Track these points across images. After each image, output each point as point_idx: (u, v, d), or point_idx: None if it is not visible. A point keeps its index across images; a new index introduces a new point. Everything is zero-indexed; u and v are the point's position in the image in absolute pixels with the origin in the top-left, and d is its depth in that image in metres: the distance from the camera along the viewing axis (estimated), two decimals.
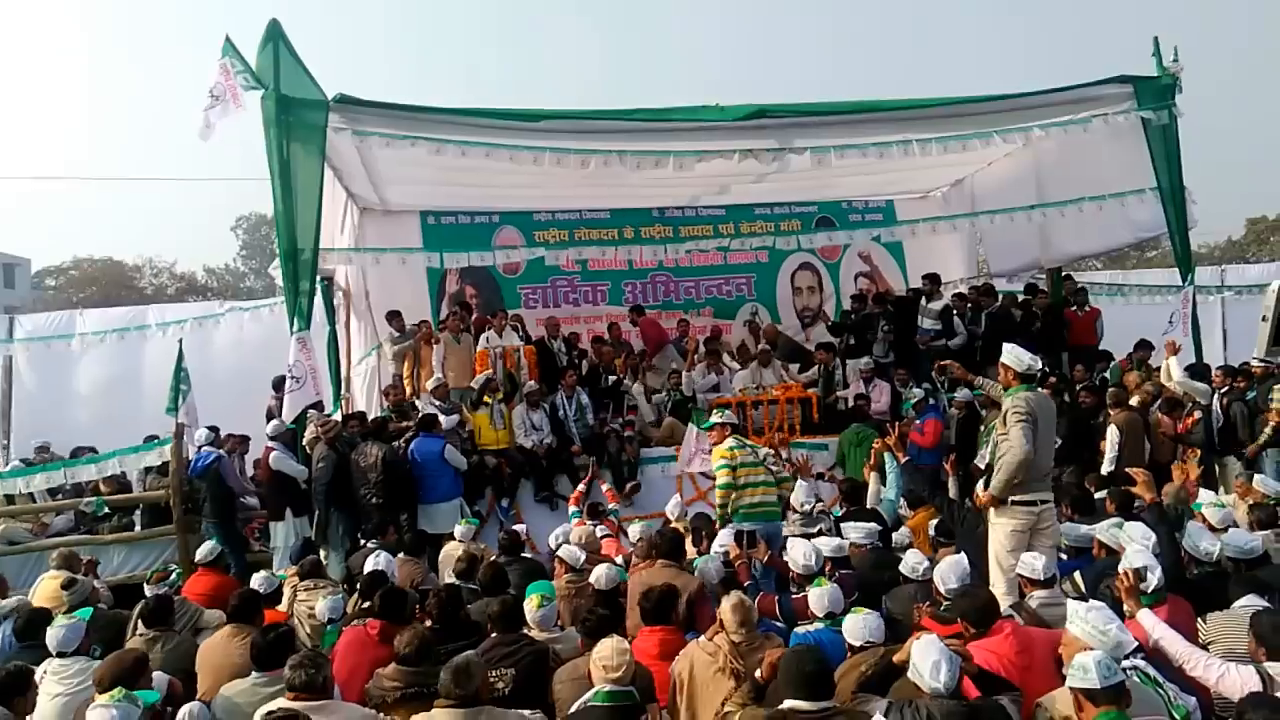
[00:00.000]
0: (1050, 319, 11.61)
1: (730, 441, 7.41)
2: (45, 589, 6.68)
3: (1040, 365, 6.15)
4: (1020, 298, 12.25)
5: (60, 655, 4.75)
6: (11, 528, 9.62)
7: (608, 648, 3.91)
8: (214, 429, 9.51)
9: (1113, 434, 8.86)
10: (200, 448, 8.97)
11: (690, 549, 7.05)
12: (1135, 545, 4.95)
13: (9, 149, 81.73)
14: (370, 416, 9.98)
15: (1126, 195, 10.16)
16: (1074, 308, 11.84)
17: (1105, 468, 8.77)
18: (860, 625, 4.28)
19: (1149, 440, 9.06)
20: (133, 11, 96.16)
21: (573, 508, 8.60)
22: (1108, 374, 10.70)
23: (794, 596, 5.39)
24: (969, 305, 11.79)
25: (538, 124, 9.17)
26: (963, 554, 5.04)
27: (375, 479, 8.33)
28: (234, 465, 9.65)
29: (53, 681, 4.60)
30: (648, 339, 12.47)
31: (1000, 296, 11.98)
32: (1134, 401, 9.35)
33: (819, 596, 4.80)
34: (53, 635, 4.79)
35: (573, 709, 3.92)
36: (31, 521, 9.92)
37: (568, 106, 9.43)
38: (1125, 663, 3.71)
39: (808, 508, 7.42)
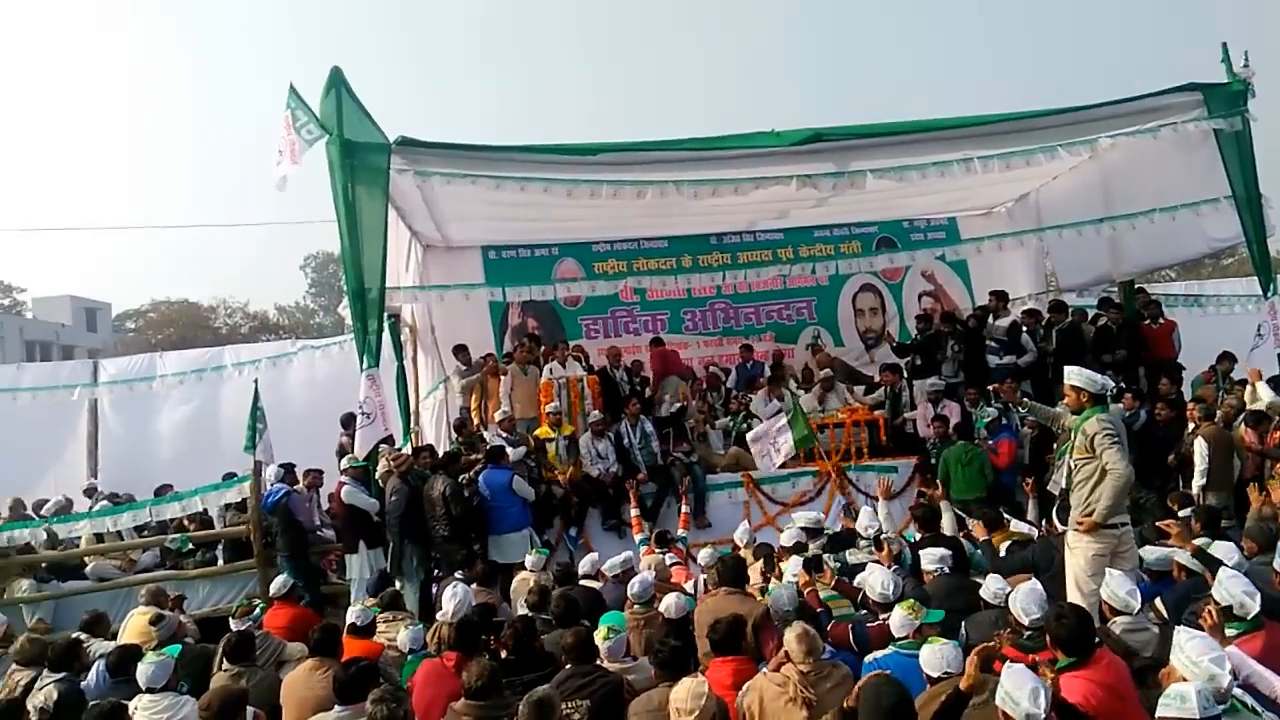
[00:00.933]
0: (1125, 333, 11.32)
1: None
2: (135, 625, 6.91)
3: (1111, 384, 6.03)
4: (1091, 313, 11.97)
5: (150, 691, 4.88)
6: (101, 564, 9.98)
7: (684, 690, 3.92)
8: (286, 466, 9.80)
9: (1201, 447, 8.56)
10: (271, 484, 9.20)
11: (757, 575, 7.03)
12: (1227, 570, 4.74)
13: (85, 198, 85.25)
14: (440, 450, 10.15)
15: (1200, 205, 9.88)
16: (1148, 320, 11.53)
17: (1196, 482, 8.49)
18: (938, 656, 4.16)
19: (1236, 456, 8.76)
20: (196, 57, 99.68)
21: (638, 535, 8.61)
22: (1184, 388, 10.40)
23: (869, 625, 5.32)
24: (1039, 322, 11.58)
25: (594, 157, 9.29)
26: (1036, 581, 4.92)
27: (441, 513, 8.47)
28: (309, 500, 9.89)
29: (144, 716, 4.74)
30: (654, 370, 12.33)
31: (1070, 312, 11.73)
32: (1218, 416, 9.07)
33: (901, 619, 4.73)
34: (143, 672, 4.93)
35: None
36: (120, 558, 10.28)
37: (616, 139, 9.50)
38: None
39: (872, 532, 7.33)
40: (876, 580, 5.50)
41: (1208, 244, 10.84)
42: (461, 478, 9.09)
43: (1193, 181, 9.97)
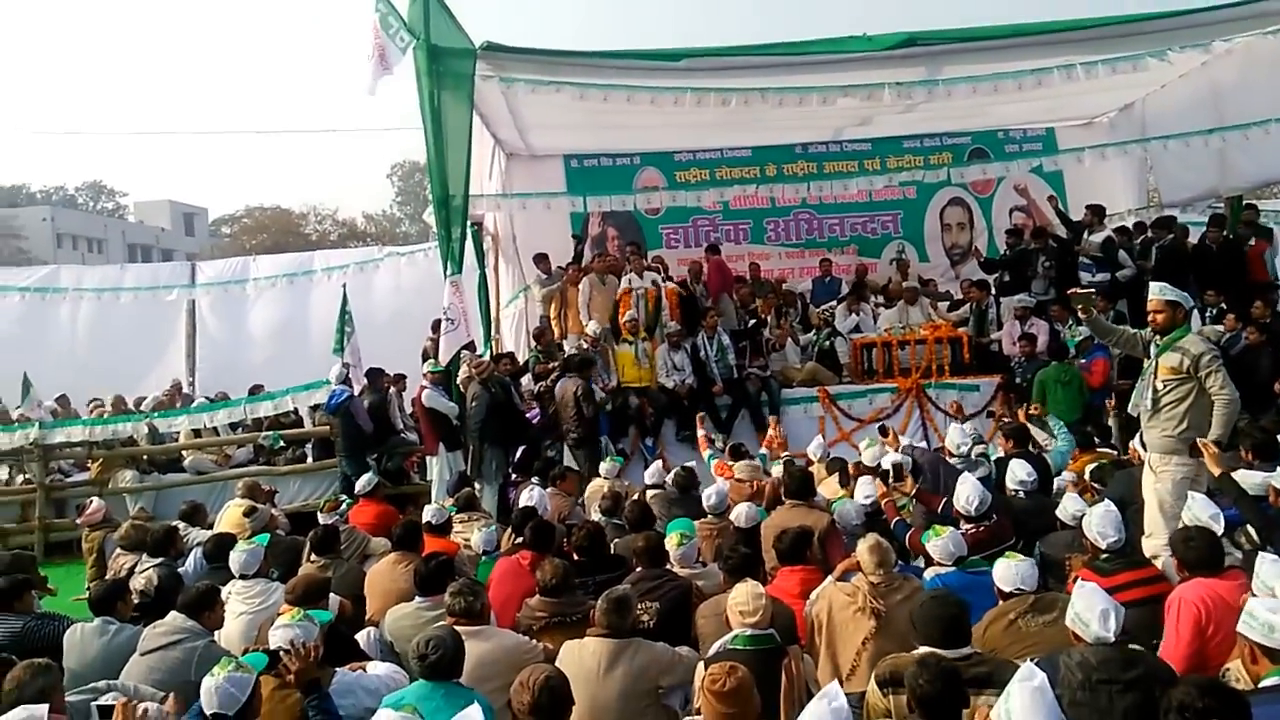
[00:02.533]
0: (1226, 252, 10.76)
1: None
2: (230, 516, 7.29)
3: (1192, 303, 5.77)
4: (1198, 231, 11.37)
5: (243, 578, 5.17)
6: (199, 459, 10.54)
7: (743, 593, 3.94)
8: (374, 370, 10.06)
9: None
10: (335, 386, 9.48)
11: (834, 488, 7.04)
12: None
13: (184, 104, 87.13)
14: (520, 357, 10.30)
15: None
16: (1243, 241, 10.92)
17: None
18: (1012, 571, 4.12)
19: None
20: None
21: (706, 451, 8.65)
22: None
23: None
24: (1134, 239, 11.09)
25: (678, 63, 9.11)
26: (1110, 503, 4.80)
27: (573, 413, 8.91)
28: (389, 402, 10.20)
29: (237, 601, 5.03)
30: (712, 283, 11.64)
31: (1173, 229, 11.17)
32: None
33: (942, 545, 4.69)
34: (235, 559, 5.20)
35: (713, 650, 4.00)
36: (216, 454, 10.81)
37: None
38: None
39: (964, 449, 7.21)
40: (964, 492, 5.42)
41: None
42: (539, 384, 9.24)
43: None
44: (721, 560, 4.95)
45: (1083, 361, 9.30)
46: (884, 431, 8.77)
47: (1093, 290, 6.89)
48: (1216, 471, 5.13)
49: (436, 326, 10.08)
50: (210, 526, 7.50)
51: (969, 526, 5.26)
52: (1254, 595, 3.49)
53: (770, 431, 9.27)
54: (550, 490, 7.27)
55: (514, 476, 8.85)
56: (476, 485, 8.43)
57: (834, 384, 10.28)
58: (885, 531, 5.48)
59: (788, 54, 9.27)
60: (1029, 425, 8.20)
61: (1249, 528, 5.01)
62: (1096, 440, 7.95)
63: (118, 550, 6.73)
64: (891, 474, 6.68)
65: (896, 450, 7.20)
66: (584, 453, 9.03)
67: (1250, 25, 8.90)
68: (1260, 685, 3.00)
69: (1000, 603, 4.18)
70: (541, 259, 11.50)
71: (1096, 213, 11.41)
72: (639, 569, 4.97)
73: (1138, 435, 5.88)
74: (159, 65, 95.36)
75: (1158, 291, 5.61)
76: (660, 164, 13.30)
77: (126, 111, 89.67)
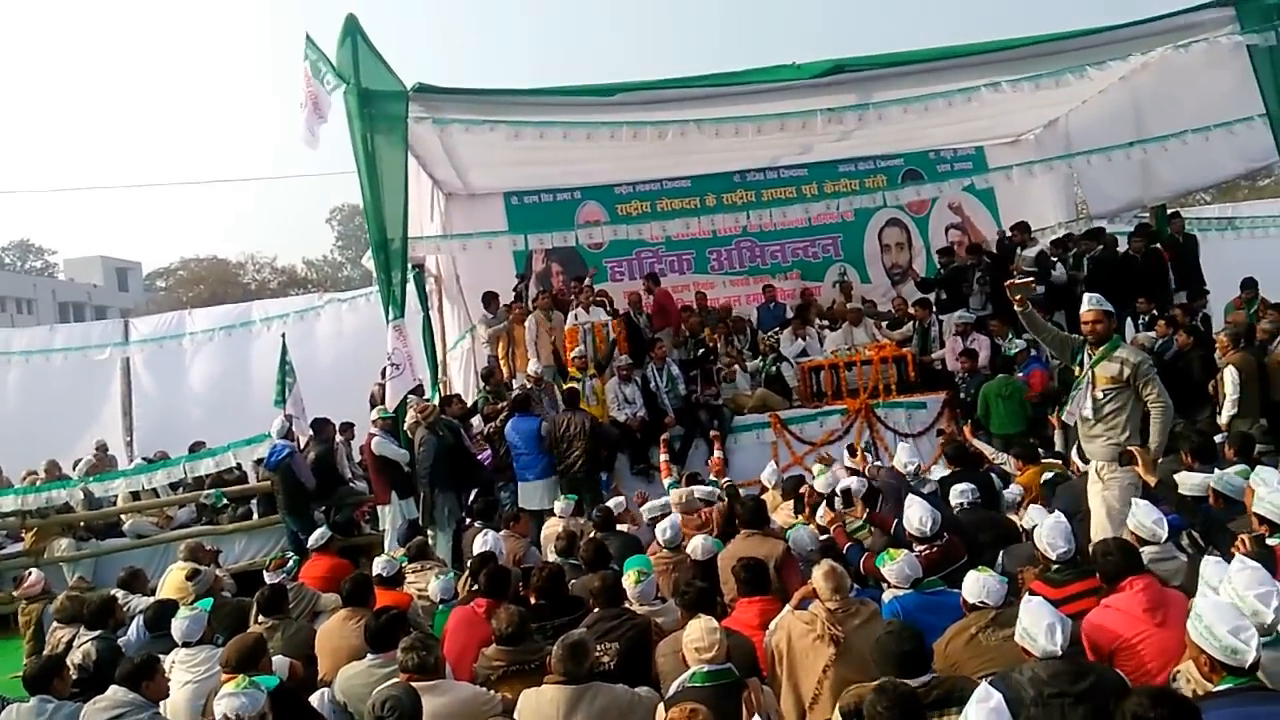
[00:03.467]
0: (1154, 259, 11.06)
1: None
2: (172, 580, 7.05)
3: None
4: (1124, 240, 11.69)
5: (186, 645, 4.98)
6: (139, 522, 10.24)
7: (697, 629, 3.91)
8: (319, 420, 9.88)
9: (1231, 375, 8.36)
10: (275, 441, 9.29)
11: (788, 514, 7.04)
12: (1266, 480, 4.62)
13: (113, 158, 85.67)
14: (467, 399, 10.18)
15: (1233, 124, 9.53)
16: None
17: (1226, 412, 8.33)
18: (979, 585, 4.14)
19: (1265, 382, 8.56)
20: (216, 14, 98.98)
21: (667, 479, 8.62)
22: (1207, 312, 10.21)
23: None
24: (1068, 251, 11.36)
25: (612, 98, 9.14)
26: (1061, 514, 4.85)
27: (579, 448, 8.89)
28: (341, 451, 10.02)
29: (181, 670, 4.85)
30: (655, 316, 11.68)
31: (1104, 241, 11.46)
32: (1256, 340, 8.86)
33: (898, 570, 4.67)
34: (177, 626, 5.02)
35: (671, 690, 3.94)
36: (157, 515, 10.50)
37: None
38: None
39: (911, 469, 7.29)
40: (914, 514, 5.43)
41: (1242, 164, 10.53)
42: (489, 425, 9.14)
43: (1225, 101, 9.62)
44: (678, 595, 4.90)
45: (1020, 375, 9.45)
46: (852, 451, 8.85)
47: (1030, 279, 6.96)
48: (1153, 481, 5.23)
49: (385, 373, 9.94)
50: (152, 592, 7.25)
51: (922, 547, 5.27)
52: (1200, 596, 3.55)
53: (715, 453, 9.34)
54: (504, 533, 7.16)
55: (468, 521, 8.71)
56: (430, 532, 8.30)
57: (784, 408, 10.31)
58: (838, 556, 5.49)
59: (719, 84, 9.35)
60: (975, 441, 8.32)
61: (1193, 532, 5.11)
62: (1041, 451, 8.04)
63: (55, 624, 6.48)
64: (841, 500, 6.71)
65: (865, 470, 7.23)
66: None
67: (1164, 40, 9.19)
68: (1215, 690, 3.02)
69: (964, 615, 4.20)
70: (491, 299, 11.43)
71: (1023, 229, 11.66)
72: (596, 609, 4.90)
73: (1075, 446, 5.96)
74: (85, 119, 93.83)
75: (1095, 303, 5.71)
76: (601, 198, 13.35)
77: (53, 168, 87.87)
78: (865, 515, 6.50)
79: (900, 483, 7.03)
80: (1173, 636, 3.65)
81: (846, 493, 6.74)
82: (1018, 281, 5.97)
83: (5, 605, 9.23)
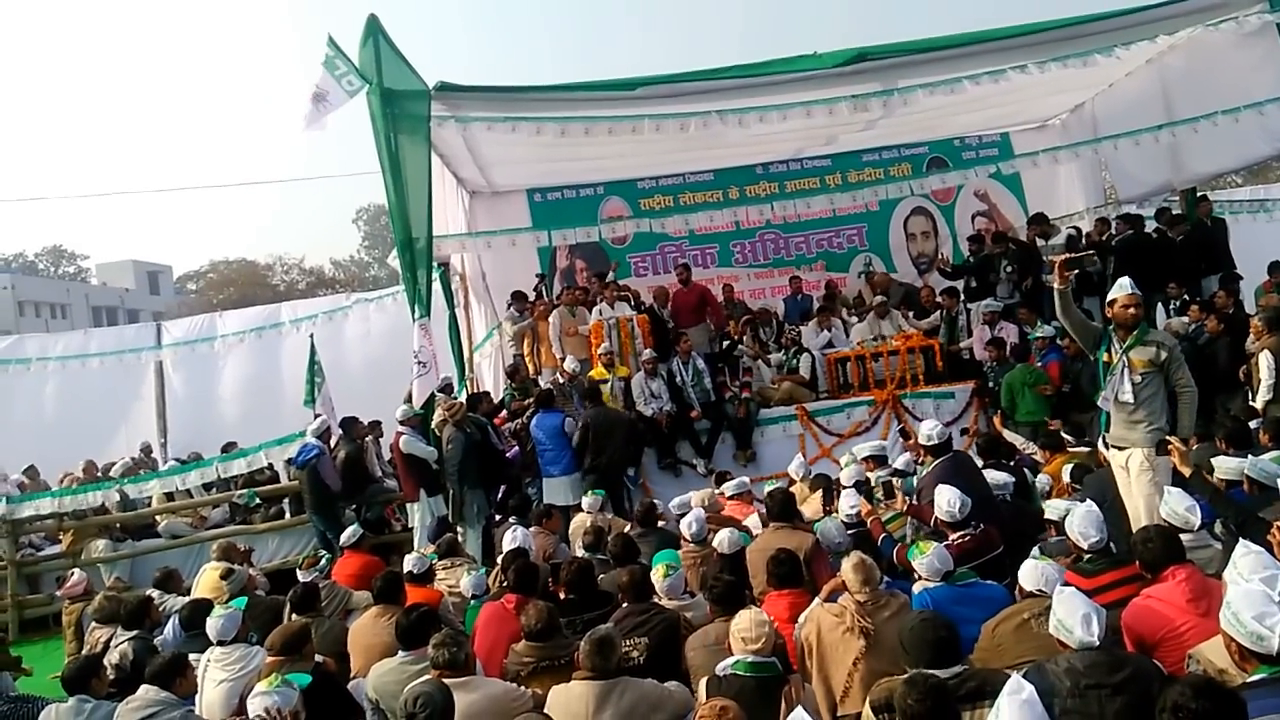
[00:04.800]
0: (1189, 243, 10.89)
1: None
2: (207, 580, 7.14)
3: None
4: (1152, 226, 11.52)
5: (221, 643, 5.02)
6: (173, 523, 10.37)
7: (746, 619, 3.93)
8: (348, 419, 9.93)
9: (1267, 359, 8.21)
10: (306, 441, 9.36)
11: (817, 507, 7.00)
12: None
13: (143, 163, 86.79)
14: (495, 396, 10.22)
15: (1264, 104, 9.33)
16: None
17: (1262, 397, 8.18)
18: (1038, 572, 4.10)
19: None
20: (242, 17, 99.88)
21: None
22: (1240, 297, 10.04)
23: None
24: (1099, 235, 11.21)
25: (634, 92, 9.13)
26: (1092, 503, 4.79)
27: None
28: (371, 450, 10.09)
29: (216, 669, 4.90)
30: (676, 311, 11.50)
31: (1133, 225, 11.30)
32: None
33: (928, 563, 4.59)
34: (212, 625, 5.06)
35: (716, 671, 3.95)
36: (191, 516, 10.64)
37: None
38: None
39: (934, 440, 7.17)
40: (944, 499, 5.37)
41: (1273, 145, 10.27)
42: (515, 423, 9.17)
43: (1255, 81, 9.46)
44: (706, 590, 4.89)
45: (1039, 364, 9.34)
46: (905, 435, 8.80)
47: (1091, 252, 6.85)
48: (1187, 472, 5.14)
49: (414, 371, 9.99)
50: (187, 592, 7.33)
51: (955, 535, 5.23)
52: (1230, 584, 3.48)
53: None
54: (534, 529, 7.19)
55: (498, 518, 8.75)
56: (459, 529, 8.34)
57: (811, 401, 10.27)
58: (872, 549, 5.45)
59: (741, 76, 9.33)
60: (1004, 432, 8.23)
61: (1225, 520, 5.03)
62: (1070, 439, 7.96)
63: (93, 624, 6.58)
64: (882, 491, 6.66)
65: (915, 455, 7.13)
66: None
67: (1193, 20, 9.07)
68: (1250, 681, 2.96)
69: (1012, 603, 4.18)
70: (519, 297, 11.45)
71: (1040, 220, 11.50)
72: (625, 604, 4.91)
73: (1101, 436, 5.85)
74: (115, 125, 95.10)
75: (1130, 287, 5.61)
76: (624, 193, 13.35)
77: (84, 174, 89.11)
78: (905, 507, 6.45)
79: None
80: (1216, 627, 3.58)
81: (888, 485, 6.69)
82: (1076, 255, 5.85)
83: (45, 606, 9.41)
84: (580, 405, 9.65)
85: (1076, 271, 6.31)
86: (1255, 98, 9.38)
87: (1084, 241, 11.10)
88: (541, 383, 10.30)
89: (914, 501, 6.46)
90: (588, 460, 8.87)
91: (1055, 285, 5.75)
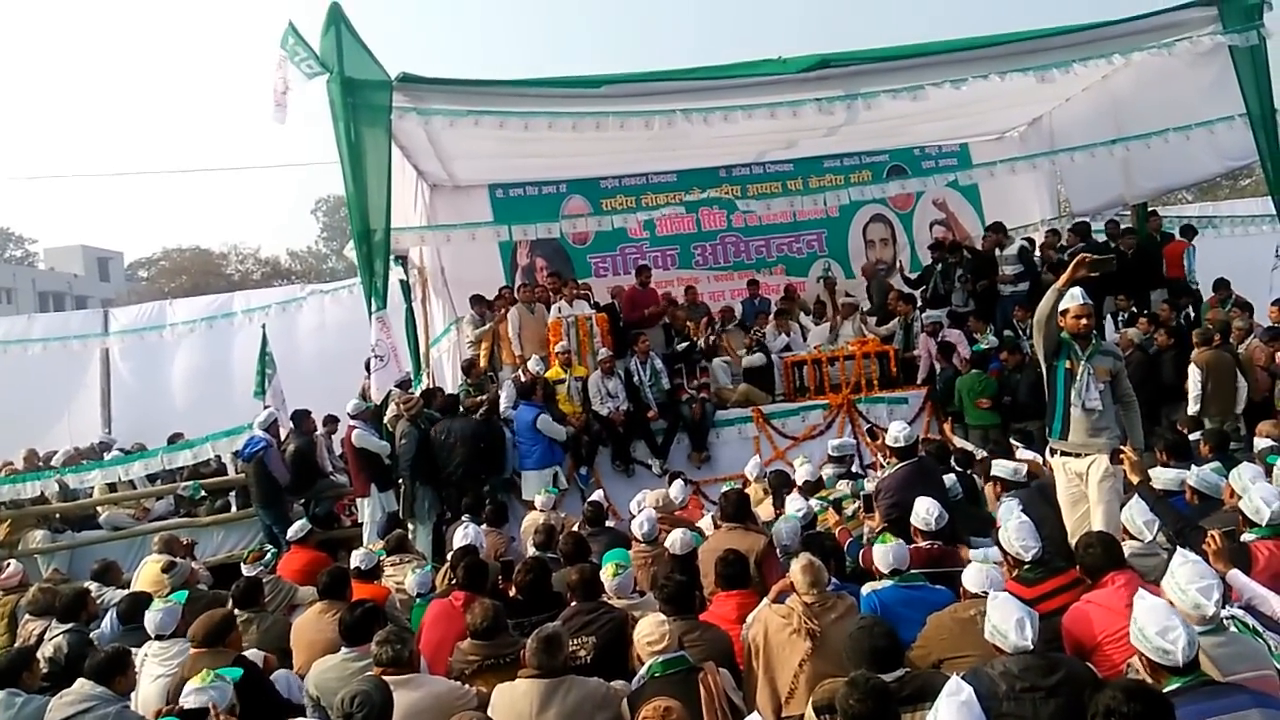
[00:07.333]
0: (1139, 257, 11.12)
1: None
2: (147, 573, 6.99)
3: None
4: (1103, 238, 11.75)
5: (159, 638, 4.93)
6: (115, 514, 10.13)
7: (646, 624, 4.01)
8: (300, 412, 9.79)
9: (1194, 373, 8.47)
10: (253, 434, 9.21)
11: (770, 509, 7.03)
12: (1253, 485, 4.63)
13: (98, 145, 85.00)
14: (450, 392, 10.14)
15: (1214, 123, 9.60)
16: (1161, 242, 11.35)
17: (1191, 408, 8.41)
18: (983, 576, 4.23)
19: (1244, 378, 8.62)
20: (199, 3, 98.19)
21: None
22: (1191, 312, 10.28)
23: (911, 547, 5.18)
24: (1051, 246, 11.41)
25: (598, 90, 9.10)
26: (1023, 516, 4.84)
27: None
28: (322, 444, 9.95)
29: (154, 664, 4.80)
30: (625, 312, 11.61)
31: (1084, 237, 11.52)
32: (1231, 338, 8.94)
33: (883, 554, 4.70)
34: (150, 619, 4.97)
35: (632, 686, 3.98)
36: (134, 507, 10.41)
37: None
38: (1224, 611, 3.55)
39: (903, 440, 7.20)
40: (923, 507, 5.44)
41: (1222, 164, 10.58)
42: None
43: (1207, 100, 9.72)
44: (657, 590, 4.88)
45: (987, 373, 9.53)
46: (873, 435, 8.90)
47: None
48: (1136, 479, 5.22)
49: (369, 366, 9.89)
50: (126, 585, 7.18)
51: (924, 542, 5.30)
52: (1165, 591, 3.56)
53: None
54: (485, 527, 7.14)
55: (448, 514, 8.68)
56: (409, 525, 8.27)
57: (767, 403, 10.31)
58: (823, 550, 5.47)
59: (705, 78, 9.34)
60: (954, 439, 8.34)
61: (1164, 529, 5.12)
62: (1019, 445, 8.09)
63: (27, 616, 6.41)
64: (861, 505, 6.72)
65: (886, 457, 7.16)
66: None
67: (1145, 39, 9.27)
68: (1166, 692, 3.02)
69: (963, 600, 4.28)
70: (478, 300, 11.35)
71: (997, 229, 11.68)
72: (574, 603, 4.88)
73: (1049, 445, 5.88)
74: (66, 106, 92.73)
75: (1082, 297, 5.65)
76: (586, 192, 13.32)
77: (33, 155, 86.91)
78: (881, 527, 6.47)
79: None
80: None
81: (869, 499, 6.71)
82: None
83: None
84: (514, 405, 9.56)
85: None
86: (1206, 116, 9.63)
87: (1037, 253, 11.30)
88: (501, 378, 10.25)
89: (873, 501, 6.51)
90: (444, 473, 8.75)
91: (1060, 280, 5.54)
